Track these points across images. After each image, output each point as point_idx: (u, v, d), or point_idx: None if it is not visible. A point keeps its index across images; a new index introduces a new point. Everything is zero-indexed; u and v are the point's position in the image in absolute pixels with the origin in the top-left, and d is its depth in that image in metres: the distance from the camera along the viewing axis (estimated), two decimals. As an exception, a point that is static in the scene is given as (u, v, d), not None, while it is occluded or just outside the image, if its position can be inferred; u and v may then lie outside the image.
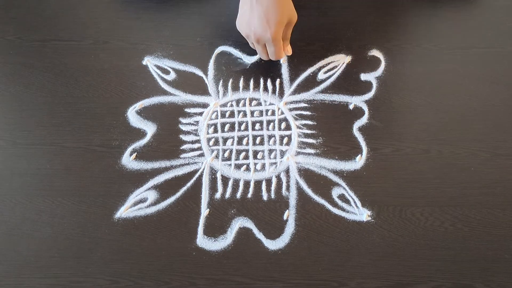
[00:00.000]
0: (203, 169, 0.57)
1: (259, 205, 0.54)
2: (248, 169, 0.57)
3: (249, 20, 0.57)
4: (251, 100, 0.62)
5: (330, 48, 0.65)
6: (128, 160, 0.57)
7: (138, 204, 0.55)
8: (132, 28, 0.68)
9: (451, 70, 0.63)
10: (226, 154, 0.58)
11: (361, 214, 0.53)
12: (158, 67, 0.65)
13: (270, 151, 0.58)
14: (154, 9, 0.70)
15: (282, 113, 0.60)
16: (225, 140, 0.59)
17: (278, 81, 0.63)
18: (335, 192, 0.55)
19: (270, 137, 0.59)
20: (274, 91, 0.62)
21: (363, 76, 0.63)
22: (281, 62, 0.64)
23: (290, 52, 0.62)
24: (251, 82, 0.63)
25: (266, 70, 0.64)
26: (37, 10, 0.71)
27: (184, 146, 0.58)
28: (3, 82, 0.64)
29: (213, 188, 0.55)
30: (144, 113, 0.61)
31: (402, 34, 0.66)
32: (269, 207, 0.54)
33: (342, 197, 0.54)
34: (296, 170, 0.56)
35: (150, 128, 0.60)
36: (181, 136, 0.59)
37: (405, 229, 0.52)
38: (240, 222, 0.53)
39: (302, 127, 0.59)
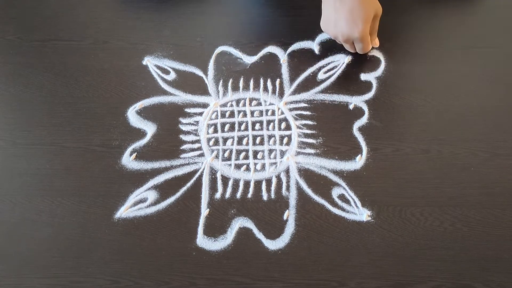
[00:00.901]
0: (203, 169, 0.57)
1: (259, 205, 0.54)
2: (248, 169, 0.57)
3: (335, 21, 0.57)
4: (251, 100, 0.62)
5: (330, 48, 0.65)
6: (128, 160, 0.57)
7: (138, 204, 0.55)
8: (132, 28, 0.68)
9: (451, 70, 0.63)
10: (226, 154, 0.58)
11: (361, 214, 0.53)
12: (158, 67, 0.65)
13: (270, 151, 0.58)
14: (154, 9, 0.70)
15: (282, 113, 0.61)
16: (225, 140, 0.59)
17: (278, 81, 0.63)
18: (335, 192, 0.55)
19: (270, 137, 0.59)
20: (274, 91, 0.62)
21: (363, 76, 0.63)
22: (281, 62, 0.64)
23: (377, 44, 0.63)
24: (251, 82, 0.63)
25: (266, 70, 0.64)
26: (37, 10, 0.71)
27: (184, 146, 0.58)
28: (3, 82, 0.64)
29: (213, 188, 0.55)
30: (144, 113, 0.61)
31: (402, 34, 0.66)
32: (269, 207, 0.54)
33: (342, 197, 0.54)
34: (296, 170, 0.56)
35: (150, 128, 0.60)
36: (181, 136, 0.59)
37: (405, 229, 0.52)
38: (240, 222, 0.53)
39: (302, 127, 0.59)
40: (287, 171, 0.56)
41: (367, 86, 0.62)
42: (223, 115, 0.61)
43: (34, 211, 0.55)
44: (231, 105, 0.61)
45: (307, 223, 0.53)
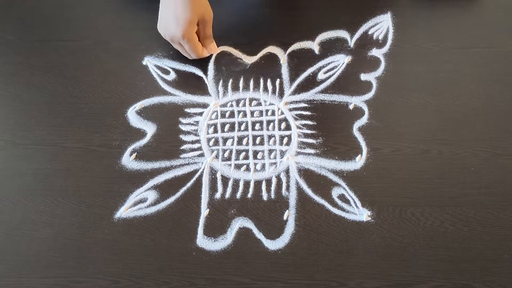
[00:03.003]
0: (203, 169, 0.57)
1: (259, 205, 0.54)
2: (248, 169, 0.57)
3: (164, 20, 0.60)
4: (251, 100, 0.62)
5: (330, 48, 0.65)
6: (128, 160, 0.57)
7: (138, 204, 0.55)
8: (132, 28, 0.68)
9: (451, 70, 0.63)
10: (226, 154, 0.58)
11: (361, 214, 0.53)
12: (158, 67, 0.65)
13: (270, 151, 0.58)
14: (154, 9, 0.70)
15: (282, 113, 0.61)
16: (225, 140, 0.59)
17: (278, 81, 0.63)
18: (335, 192, 0.55)
19: (270, 137, 0.59)
20: (274, 91, 0.62)
21: (363, 76, 0.63)
22: (281, 62, 0.64)
23: (215, 50, 0.64)
24: (251, 82, 0.63)
25: (266, 70, 0.64)
26: (37, 10, 0.71)
27: (184, 146, 0.58)
28: (3, 82, 0.64)
29: (213, 188, 0.55)
30: (144, 113, 0.61)
31: (402, 34, 0.66)
32: (269, 207, 0.54)
33: (342, 197, 0.54)
34: (296, 170, 0.56)
35: (150, 128, 0.60)
36: (181, 136, 0.59)
37: (405, 229, 0.52)
38: (240, 222, 0.53)
39: (302, 127, 0.59)
40: (287, 171, 0.56)
41: (367, 86, 0.62)
42: (223, 115, 0.61)
43: (35, 211, 0.55)
44: (231, 105, 0.61)
45: (307, 223, 0.53)
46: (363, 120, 0.59)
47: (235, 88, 0.63)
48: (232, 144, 0.59)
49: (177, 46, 0.62)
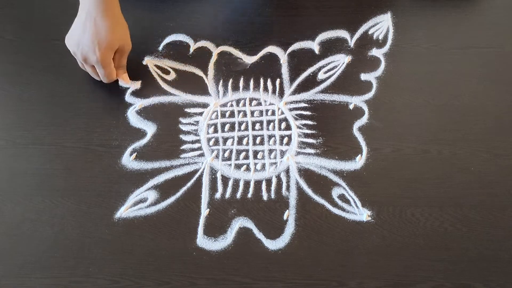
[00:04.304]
0: (203, 169, 0.57)
1: (259, 205, 0.54)
2: (248, 169, 0.57)
3: (80, 38, 0.56)
4: (251, 100, 0.62)
5: (330, 48, 0.65)
6: (128, 160, 0.57)
7: (138, 204, 0.55)
8: (132, 28, 0.68)
9: (451, 70, 0.63)
10: (226, 154, 0.58)
11: (361, 214, 0.53)
12: (158, 67, 0.65)
13: (270, 151, 0.58)
14: (154, 9, 0.70)
15: (282, 113, 0.61)
16: (225, 140, 0.59)
17: (278, 81, 0.63)
18: (335, 192, 0.55)
19: (270, 137, 0.59)
20: (274, 91, 0.62)
21: (363, 76, 0.63)
22: (281, 62, 0.64)
23: (127, 81, 0.62)
24: (251, 82, 0.63)
25: (266, 70, 0.64)
26: (37, 10, 0.71)
27: (184, 146, 0.58)
28: (3, 82, 0.64)
29: (213, 188, 0.55)
30: (144, 113, 0.61)
31: (402, 34, 0.66)
32: (269, 207, 0.54)
33: (342, 197, 0.54)
34: (296, 170, 0.56)
35: (150, 128, 0.60)
36: (181, 136, 0.59)
37: (405, 229, 0.52)
38: (240, 222, 0.53)
39: (302, 127, 0.59)
40: (287, 171, 0.56)
41: (367, 86, 0.62)
42: (223, 115, 0.61)
43: (34, 211, 0.55)
44: (231, 105, 0.61)
45: (307, 223, 0.53)
46: (363, 120, 0.59)
47: (235, 88, 0.63)
48: (232, 144, 0.59)
49: (87, 67, 0.60)
